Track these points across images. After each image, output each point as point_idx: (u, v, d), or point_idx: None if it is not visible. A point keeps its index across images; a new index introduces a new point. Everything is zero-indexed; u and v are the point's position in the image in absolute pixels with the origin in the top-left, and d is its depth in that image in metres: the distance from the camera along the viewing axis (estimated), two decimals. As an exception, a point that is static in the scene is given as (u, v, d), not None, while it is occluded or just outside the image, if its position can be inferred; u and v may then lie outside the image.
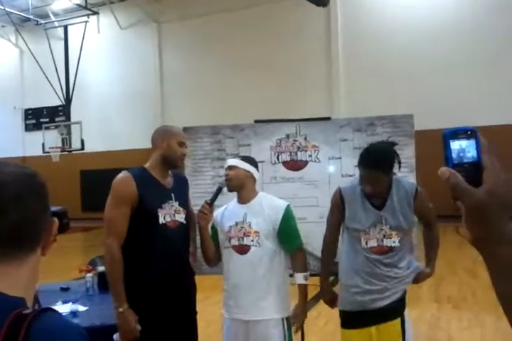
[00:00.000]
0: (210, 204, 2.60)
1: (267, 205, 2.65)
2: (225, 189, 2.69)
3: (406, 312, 2.67)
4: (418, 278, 2.74)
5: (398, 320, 2.60)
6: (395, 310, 2.61)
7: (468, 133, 0.72)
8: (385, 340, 2.59)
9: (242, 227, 2.62)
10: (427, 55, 13.57)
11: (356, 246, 2.63)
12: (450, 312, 5.25)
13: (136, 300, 2.46)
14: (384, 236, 2.57)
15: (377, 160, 2.49)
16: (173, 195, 2.63)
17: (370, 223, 2.58)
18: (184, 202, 2.70)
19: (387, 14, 14.27)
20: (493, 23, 12.96)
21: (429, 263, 2.78)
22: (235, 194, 2.72)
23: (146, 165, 2.67)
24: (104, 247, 2.50)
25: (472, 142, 0.71)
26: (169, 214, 2.59)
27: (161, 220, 2.56)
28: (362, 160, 2.52)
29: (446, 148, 0.73)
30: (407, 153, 3.69)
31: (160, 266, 2.55)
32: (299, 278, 2.63)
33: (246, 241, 2.60)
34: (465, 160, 0.71)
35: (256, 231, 2.60)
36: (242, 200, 2.68)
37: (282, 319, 2.61)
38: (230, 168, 2.65)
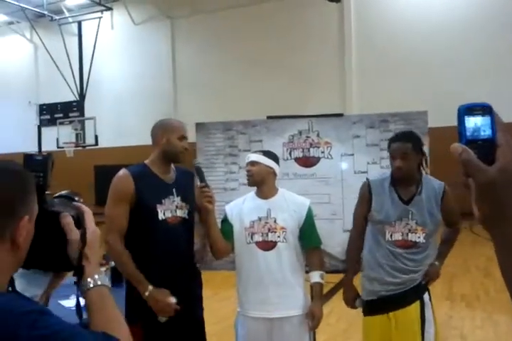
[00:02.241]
0: (206, 185, 2.53)
1: (291, 201, 2.63)
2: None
3: (426, 296, 2.67)
4: (429, 273, 2.69)
5: (417, 304, 2.61)
6: (414, 294, 2.62)
7: (484, 109, 0.70)
8: (403, 324, 2.60)
9: (266, 223, 2.57)
10: (441, 51, 13.44)
11: (380, 240, 2.65)
12: (463, 310, 5.22)
13: (139, 297, 2.44)
14: (409, 230, 2.58)
15: (406, 134, 2.62)
16: (174, 190, 2.59)
17: (396, 216, 2.60)
18: (188, 197, 2.64)
19: (400, 10, 14.15)
20: (510, 16, 12.77)
21: (439, 258, 2.75)
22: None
23: (147, 161, 2.67)
24: (107, 245, 2.51)
25: (487, 119, 0.69)
26: (170, 209, 2.55)
27: (161, 216, 2.53)
28: (392, 138, 2.63)
29: (461, 123, 0.71)
30: (420, 150, 3.66)
31: (161, 262, 2.53)
32: (316, 276, 2.60)
33: (271, 237, 2.55)
34: (479, 137, 0.69)
35: (282, 227, 2.56)
36: (264, 195, 2.63)
37: (307, 314, 2.59)
38: (252, 163, 2.61)
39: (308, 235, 2.63)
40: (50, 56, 15.30)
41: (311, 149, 3.67)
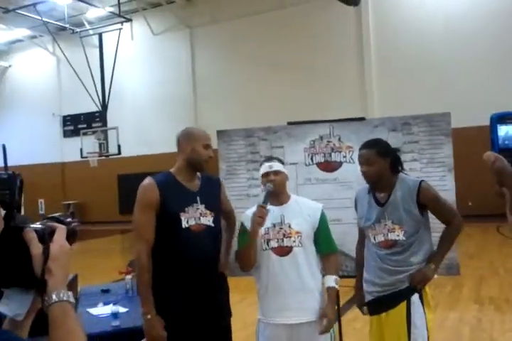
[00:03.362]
0: (265, 207, 2.51)
1: (304, 206, 2.65)
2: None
3: (415, 297, 2.66)
4: (414, 277, 2.65)
5: (403, 305, 2.65)
6: (400, 296, 2.67)
7: None
8: (390, 325, 2.69)
9: (280, 228, 2.58)
10: (462, 51, 13.32)
11: (369, 244, 2.80)
12: (492, 313, 5.13)
13: (164, 304, 2.47)
14: (388, 230, 2.70)
15: (370, 142, 2.79)
16: (198, 198, 2.61)
17: (374, 219, 2.73)
18: (212, 205, 2.66)
19: (419, 11, 14.07)
20: None
21: (431, 260, 2.70)
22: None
23: (172, 170, 2.69)
24: (134, 253, 2.55)
25: None
26: (193, 217, 2.57)
27: (184, 224, 2.55)
28: (360, 146, 2.80)
29: (493, 132, 0.70)
30: (445, 152, 3.63)
31: (186, 269, 2.54)
32: (330, 280, 2.60)
33: (287, 242, 2.55)
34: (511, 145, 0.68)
35: (298, 232, 2.57)
36: (278, 202, 2.64)
37: (320, 317, 2.57)
38: (276, 172, 2.60)
39: (323, 239, 2.64)
40: (72, 68, 15.58)
41: (333, 154, 3.67)
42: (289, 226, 2.58)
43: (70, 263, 1.08)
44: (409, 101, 13.00)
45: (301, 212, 2.62)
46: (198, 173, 2.73)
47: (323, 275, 2.66)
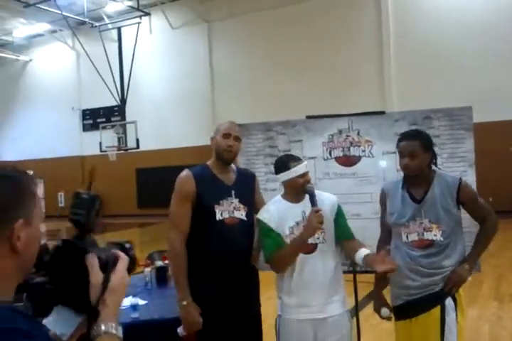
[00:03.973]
0: (321, 210, 2.41)
1: (320, 200, 2.55)
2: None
3: (449, 301, 2.54)
4: (450, 278, 2.53)
5: (437, 309, 2.52)
6: (434, 299, 2.54)
7: None
8: (423, 329, 2.55)
9: (303, 226, 2.48)
10: (482, 44, 13.08)
11: (398, 242, 2.62)
12: (512, 310, 5.06)
13: (198, 294, 2.50)
14: (424, 229, 2.54)
15: (414, 132, 2.63)
16: (233, 191, 2.64)
17: (409, 216, 2.57)
18: (246, 199, 2.68)
19: (439, 4, 13.86)
20: None
21: (466, 261, 2.58)
22: (282, 191, 2.63)
23: (208, 162, 2.73)
24: (168, 241, 2.58)
25: None
26: (227, 210, 2.60)
27: (218, 217, 2.58)
28: (400, 136, 2.63)
29: None
30: (466, 146, 3.58)
31: (218, 261, 2.57)
32: (365, 250, 2.45)
33: (311, 239, 2.48)
34: None
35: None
36: (296, 200, 2.55)
37: (348, 311, 2.57)
38: (306, 173, 2.51)
39: (344, 226, 2.59)
40: (92, 62, 15.69)
41: (352, 148, 3.64)
42: None
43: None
44: (429, 95, 12.83)
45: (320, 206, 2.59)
46: (234, 167, 2.76)
47: (353, 254, 2.49)
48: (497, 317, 4.84)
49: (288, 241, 2.50)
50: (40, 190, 1.09)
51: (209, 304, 2.53)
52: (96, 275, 1.02)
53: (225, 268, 2.58)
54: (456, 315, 2.53)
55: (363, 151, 3.63)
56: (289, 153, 2.77)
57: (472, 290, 5.78)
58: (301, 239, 2.42)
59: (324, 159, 3.66)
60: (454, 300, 2.56)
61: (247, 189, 2.73)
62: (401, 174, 2.74)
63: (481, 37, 13.15)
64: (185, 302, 2.46)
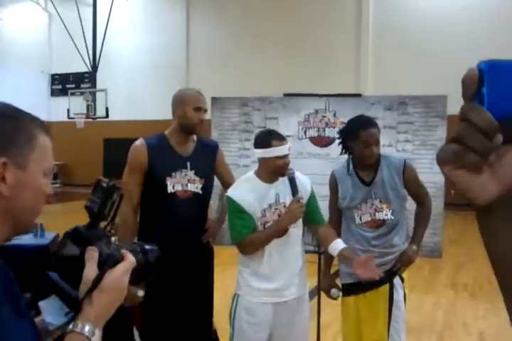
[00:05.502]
0: (302, 198, 2.37)
1: (299, 184, 2.46)
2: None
3: (397, 280, 2.71)
4: (401, 261, 2.68)
5: (386, 286, 2.66)
6: (385, 277, 2.63)
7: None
8: (372, 304, 2.68)
9: (276, 209, 2.43)
10: (462, 33, 13.04)
11: (351, 225, 2.71)
12: (466, 300, 5.20)
13: None
14: (375, 210, 2.65)
15: (371, 119, 2.68)
16: (188, 163, 2.55)
17: (360, 198, 2.66)
18: (204, 172, 2.59)
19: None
20: None
21: (413, 242, 2.73)
22: (254, 167, 2.55)
23: (166, 132, 2.63)
24: (119, 213, 2.49)
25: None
26: (180, 183, 2.52)
27: (170, 189, 2.50)
28: (358, 124, 2.63)
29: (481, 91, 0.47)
30: (438, 134, 3.60)
31: (170, 235, 2.51)
32: (341, 243, 2.50)
33: None
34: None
35: None
36: (271, 179, 2.45)
37: (308, 292, 2.62)
38: (286, 156, 2.41)
39: (316, 210, 2.59)
40: (64, 25, 15.17)
41: (327, 129, 3.61)
42: (284, 206, 2.43)
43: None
44: (404, 82, 12.85)
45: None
46: (195, 137, 2.65)
47: (327, 244, 2.52)
48: (451, 305, 4.97)
49: (259, 223, 2.41)
50: (48, 142, 0.99)
51: (156, 278, 2.45)
52: (89, 270, 0.93)
53: (174, 243, 2.50)
54: (404, 294, 2.71)
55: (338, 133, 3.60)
56: (274, 130, 2.61)
57: (430, 277, 5.92)
58: (280, 227, 2.36)
59: (299, 138, 3.63)
60: (402, 279, 2.72)
61: (205, 161, 2.63)
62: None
63: (460, 26, 13.18)
64: None
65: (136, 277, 1.04)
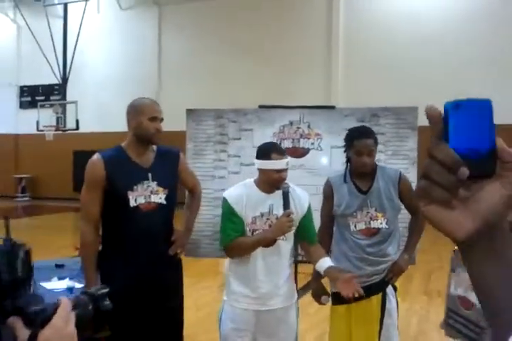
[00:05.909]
0: (293, 213, 2.40)
1: (293, 198, 2.50)
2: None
3: (390, 289, 2.76)
4: (393, 271, 2.73)
5: (379, 296, 2.71)
6: (377, 287, 2.71)
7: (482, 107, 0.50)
8: (364, 314, 2.70)
9: (267, 219, 2.46)
10: (432, 45, 13.29)
11: (345, 233, 2.74)
12: (439, 306, 5.29)
13: (112, 284, 2.40)
14: (371, 218, 2.68)
15: (367, 129, 2.72)
16: (150, 174, 2.48)
17: (356, 206, 2.70)
18: (166, 181, 2.52)
19: (390, 2, 14.15)
20: (508, 12, 12.63)
21: (405, 252, 2.79)
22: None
23: (123, 144, 2.55)
24: (80, 233, 2.46)
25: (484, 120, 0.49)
26: (143, 195, 2.45)
27: (132, 203, 2.43)
28: (354, 134, 2.68)
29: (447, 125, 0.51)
30: (409, 145, 3.70)
31: (135, 249, 2.45)
32: (328, 261, 2.54)
33: None
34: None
35: None
36: (268, 190, 2.48)
37: (295, 303, 2.63)
38: (283, 170, 2.44)
39: (311, 228, 2.61)
40: (34, 37, 15.01)
41: (301, 140, 3.68)
42: (276, 218, 2.45)
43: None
44: (376, 94, 13.06)
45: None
46: (154, 147, 2.58)
47: (315, 261, 2.55)
48: (425, 311, 5.06)
49: (248, 229, 2.45)
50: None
51: (123, 294, 2.34)
52: (21, 334, 0.86)
53: (140, 257, 2.45)
54: (397, 302, 2.74)
55: (312, 144, 3.67)
56: (277, 143, 2.71)
57: (404, 284, 6.00)
58: (267, 237, 2.39)
59: (273, 149, 3.67)
60: (394, 288, 2.78)
61: (167, 170, 2.56)
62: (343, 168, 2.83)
63: (431, 39, 13.44)
64: None
65: (93, 327, 0.97)
